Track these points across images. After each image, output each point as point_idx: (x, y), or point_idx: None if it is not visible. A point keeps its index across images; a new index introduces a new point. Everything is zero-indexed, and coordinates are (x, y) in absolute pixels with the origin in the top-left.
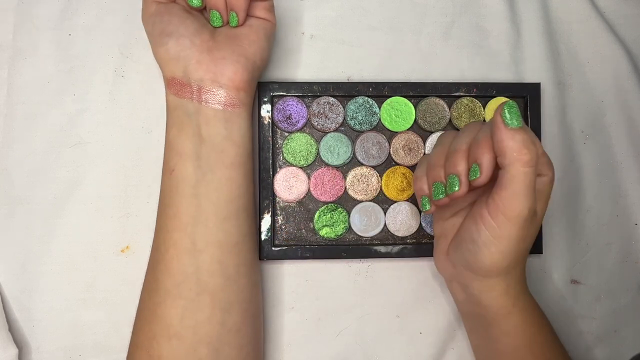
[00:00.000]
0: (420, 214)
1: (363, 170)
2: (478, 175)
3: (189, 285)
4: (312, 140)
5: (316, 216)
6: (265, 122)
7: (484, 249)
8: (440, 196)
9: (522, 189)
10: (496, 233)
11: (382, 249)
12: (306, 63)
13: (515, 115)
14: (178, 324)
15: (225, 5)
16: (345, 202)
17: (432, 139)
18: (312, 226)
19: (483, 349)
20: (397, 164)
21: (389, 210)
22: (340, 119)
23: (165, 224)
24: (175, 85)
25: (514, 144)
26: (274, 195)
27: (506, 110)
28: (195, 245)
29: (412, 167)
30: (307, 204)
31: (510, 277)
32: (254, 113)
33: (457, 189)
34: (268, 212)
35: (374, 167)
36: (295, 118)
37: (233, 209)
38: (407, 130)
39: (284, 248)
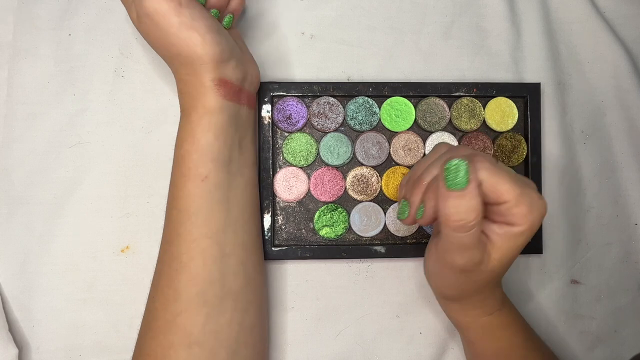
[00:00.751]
0: None
1: (363, 170)
2: (419, 216)
3: (214, 291)
4: (312, 140)
5: (316, 216)
6: (265, 122)
7: (428, 278)
8: (400, 216)
9: (454, 247)
10: (435, 270)
11: (382, 249)
12: (306, 63)
13: (455, 176)
14: (200, 331)
15: (226, 6)
16: (345, 202)
17: (432, 139)
18: (312, 226)
19: (465, 349)
20: (397, 164)
21: (389, 210)
22: (340, 119)
23: (190, 232)
24: (227, 87)
25: (446, 210)
26: (274, 195)
27: (446, 173)
28: (223, 250)
29: (412, 167)
30: (307, 204)
31: (466, 303)
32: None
33: (403, 217)
34: (268, 212)
35: (374, 167)
36: (295, 118)
37: (254, 208)
38: (407, 130)
39: (284, 248)
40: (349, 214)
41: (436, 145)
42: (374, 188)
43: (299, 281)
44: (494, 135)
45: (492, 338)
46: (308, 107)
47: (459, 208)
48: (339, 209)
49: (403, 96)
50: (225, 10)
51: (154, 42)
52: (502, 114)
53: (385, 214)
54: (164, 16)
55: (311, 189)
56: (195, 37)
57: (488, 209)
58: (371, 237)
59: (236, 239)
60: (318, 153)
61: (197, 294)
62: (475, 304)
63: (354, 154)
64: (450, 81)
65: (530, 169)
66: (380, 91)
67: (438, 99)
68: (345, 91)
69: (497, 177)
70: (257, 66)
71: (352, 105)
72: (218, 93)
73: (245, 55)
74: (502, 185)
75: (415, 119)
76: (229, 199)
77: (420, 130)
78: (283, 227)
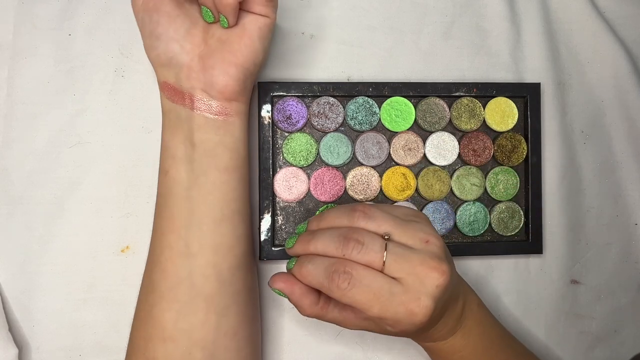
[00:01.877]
0: None
1: (363, 170)
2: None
3: (183, 288)
4: (312, 140)
5: None
6: (265, 122)
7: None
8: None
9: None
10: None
11: None
12: (306, 63)
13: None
14: (172, 327)
15: (214, 4)
16: (345, 202)
17: (432, 139)
18: None
19: None
20: (397, 164)
21: None
22: (340, 119)
23: (161, 226)
24: (168, 90)
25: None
26: (274, 195)
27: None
28: (189, 248)
29: (412, 167)
30: (307, 204)
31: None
32: (253, 113)
33: (289, 246)
34: (268, 212)
35: (374, 167)
36: (295, 118)
37: (227, 212)
38: (407, 130)
39: (284, 248)
40: None
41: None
42: (374, 188)
43: None
44: (494, 135)
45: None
46: (308, 107)
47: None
48: None
49: (403, 96)
50: (217, 8)
51: None
52: (502, 114)
53: None
54: (136, 21)
55: (311, 189)
56: (143, 41)
57: None
58: None
59: (203, 239)
60: (318, 153)
61: (168, 289)
62: (415, 337)
63: (354, 154)
64: (450, 81)
65: (530, 169)
66: (380, 91)
67: (438, 99)
68: (345, 91)
69: (348, 299)
70: (228, 76)
71: (352, 105)
72: (164, 95)
73: (206, 60)
74: (355, 305)
75: (415, 119)
76: (191, 197)
77: (420, 130)
78: (283, 227)
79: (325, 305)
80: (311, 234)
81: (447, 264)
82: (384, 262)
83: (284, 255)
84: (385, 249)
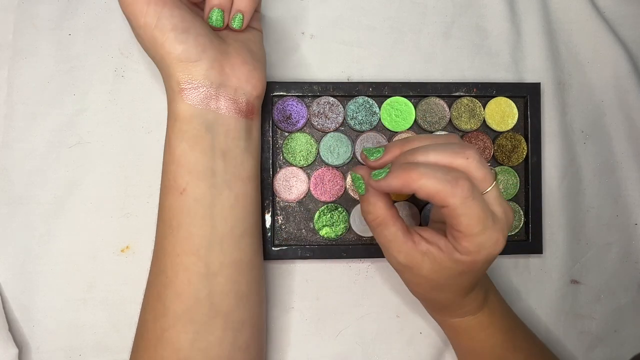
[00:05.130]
0: (421, 214)
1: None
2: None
3: (201, 309)
4: (312, 140)
5: (316, 216)
6: (265, 122)
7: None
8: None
9: (381, 242)
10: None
11: None
12: (306, 63)
13: (359, 185)
14: (188, 347)
15: (231, 5)
16: (345, 202)
17: None
18: (312, 226)
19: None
20: None
21: None
22: (340, 119)
23: (174, 247)
24: (194, 92)
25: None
26: (274, 195)
27: (353, 180)
28: (209, 268)
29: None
30: (307, 204)
31: (428, 306)
32: None
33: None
34: (268, 212)
35: None
36: (295, 118)
37: (248, 226)
38: (407, 130)
39: (284, 248)
40: (349, 214)
41: (450, 134)
42: None
43: (299, 281)
44: (494, 135)
45: (464, 338)
46: (308, 107)
47: (362, 208)
48: (339, 209)
49: (403, 96)
50: (231, 10)
51: (140, 43)
52: (502, 114)
53: None
54: (135, 17)
55: (311, 189)
56: (158, 37)
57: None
58: (371, 237)
59: (224, 257)
60: (318, 153)
61: (184, 312)
62: (435, 307)
63: (354, 154)
64: (450, 81)
65: (530, 169)
66: (380, 91)
67: (438, 99)
68: (345, 91)
69: (464, 209)
70: (259, 73)
71: (352, 105)
72: (185, 98)
73: (233, 57)
74: (462, 218)
75: (415, 119)
76: (214, 215)
77: (420, 130)
78: (283, 227)
79: (401, 221)
80: (407, 142)
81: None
82: (488, 190)
83: (284, 255)
84: (495, 180)
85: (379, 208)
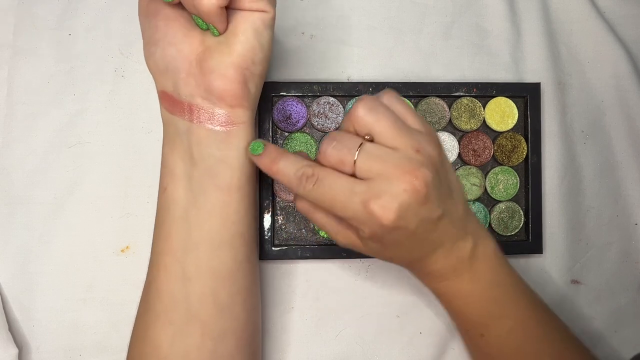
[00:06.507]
0: None
1: None
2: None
3: (178, 312)
4: (312, 140)
5: None
6: (265, 122)
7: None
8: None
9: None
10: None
11: None
12: (306, 63)
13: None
14: (168, 348)
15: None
16: None
17: None
18: (312, 226)
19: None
20: None
21: None
22: (340, 119)
23: (157, 245)
24: (166, 100)
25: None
26: (274, 195)
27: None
28: (185, 272)
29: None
30: None
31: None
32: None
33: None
34: (268, 212)
35: None
36: (295, 118)
37: (227, 236)
38: None
39: (284, 248)
40: None
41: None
42: None
43: (299, 281)
44: (494, 135)
45: (444, 303)
46: (308, 107)
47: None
48: None
49: (403, 96)
50: (201, 18)
51: None
52: (502, 114)
53: None
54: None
55: None
56: (144, 51)
57: None
58: None
59: (200, 264)
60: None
61: (163, 311)
62: (414, 269)
63: None
64: (450, 81)
65: (530, 169)
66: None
67: (438, 99)
68: (345, 91)
69: (313, 196)
70: (228, 79)
71: (352, 105)
72: (162, 105)
73: (211, 63)
74: (321, 204)
75: None
76: (189, 219)
77: None
78: (283, 227)
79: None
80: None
81: (428, 170)
82: (354, 161)
83: (284, 255)
84: (359, 148)
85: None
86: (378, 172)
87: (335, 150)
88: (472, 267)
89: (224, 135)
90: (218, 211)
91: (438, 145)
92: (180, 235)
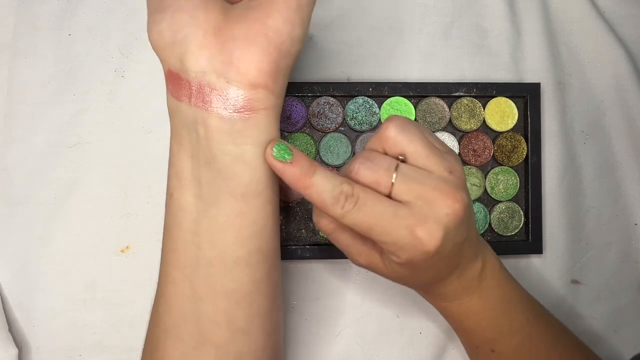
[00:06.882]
0: None
1: None
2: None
3: (189, 331)
4: (311, 141)
5: None
6: None
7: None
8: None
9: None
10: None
11: None
12: (306, 63)
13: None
14: None
15: None
16: None
17: None
18: (312, 226)
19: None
20: None
21: None
22: (340, 119)
23: (166, 254)
24: (171, 81)
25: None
26: None
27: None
28: (195, 291)
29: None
30: (307, 204)
31: (421, 290)
32: None
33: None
34: None
35: None
36: (294, 118)
37: (243, 253)
38: None
39: (284, 248)
40: None
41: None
42: None
43: (299, 281)
44: (494, 135)
45: (454, 321)
46: (308, 107)
47: (313, 216)
48: None
49: (403, 96)
50: None
51: None
52: (502, 114)
53: None
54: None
55: None
56: (147, 23)
57: None
58: None
59: (212, 284)
60: (318, 153)
61: (173, 327)
62: (421, 291)
63: (353, 154)
64: (450, 81)
65: (530, 169)
66: (380, 91)
67: (438, 99)
68: (345, 91)
69: (349, 220)
70: (257, 49)
71: (352, 105)
72: (168, 90)
73: (233, 30)
74: (356, 228)
75: (415, 119)
76: (199, 233)
77: None
78: (283, 227)
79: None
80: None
81: (464, 193)
82: (392, 183)
83: (284, 256)
84: (396, 170)
85: (320, 223)
86: (417, 195)
87: (370, 171)
88: (481, 285)
89: (242, 125)
90: (233, 225)
91: (462, 166)
92: (190, 251)
